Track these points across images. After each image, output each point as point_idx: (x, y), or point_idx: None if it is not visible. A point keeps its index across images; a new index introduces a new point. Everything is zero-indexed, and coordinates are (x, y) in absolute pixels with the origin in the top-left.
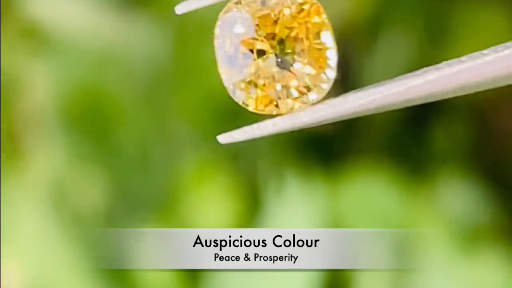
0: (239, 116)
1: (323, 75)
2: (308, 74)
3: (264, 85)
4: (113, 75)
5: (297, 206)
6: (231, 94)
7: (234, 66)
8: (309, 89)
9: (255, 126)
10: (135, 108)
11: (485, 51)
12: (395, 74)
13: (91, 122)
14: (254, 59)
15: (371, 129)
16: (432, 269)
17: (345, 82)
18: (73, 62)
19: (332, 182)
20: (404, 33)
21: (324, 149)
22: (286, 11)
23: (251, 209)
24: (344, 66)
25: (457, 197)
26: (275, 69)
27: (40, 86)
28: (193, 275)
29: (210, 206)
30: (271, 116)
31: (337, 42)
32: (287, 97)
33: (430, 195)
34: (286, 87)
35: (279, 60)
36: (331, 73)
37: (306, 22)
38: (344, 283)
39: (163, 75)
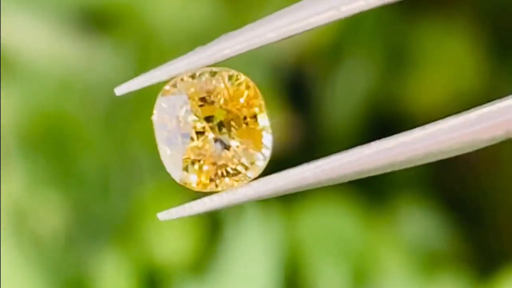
0: None
1: (259, 154)
2: (245, 153)
3: (203, 164)
4: (74, 99)
5: (256, 232)
6: (171, 174)
7: (173, 146)
8: (246, 167)
9: (193, 203)
10: (96, 133)
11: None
12: (355, 103)
13: (51, 147)
14: (193, 140)
15: (329, 155)
16: None
17: (306, 111)
18: (34, 86)
19: (291, 209)
20: (365, 62)
21: None
22: (224, 93)
23: (210, 235)
24: (305, 94)
25: (415, 223)
26: (213, 149)
27: (1, 110)
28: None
29: (170, 231)
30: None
31: (297, 70)
32: (226, 175)
33: (389, 222)
34: (224, 166)
35: (217, 140)
36: (267, 152)
37: (242, 103)
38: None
39: (123, 99)
